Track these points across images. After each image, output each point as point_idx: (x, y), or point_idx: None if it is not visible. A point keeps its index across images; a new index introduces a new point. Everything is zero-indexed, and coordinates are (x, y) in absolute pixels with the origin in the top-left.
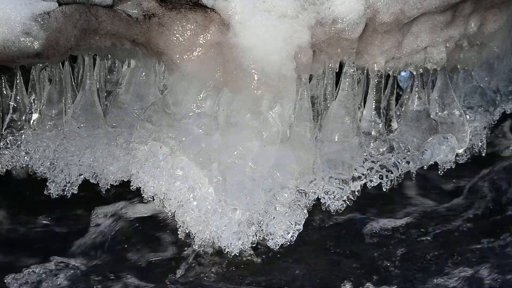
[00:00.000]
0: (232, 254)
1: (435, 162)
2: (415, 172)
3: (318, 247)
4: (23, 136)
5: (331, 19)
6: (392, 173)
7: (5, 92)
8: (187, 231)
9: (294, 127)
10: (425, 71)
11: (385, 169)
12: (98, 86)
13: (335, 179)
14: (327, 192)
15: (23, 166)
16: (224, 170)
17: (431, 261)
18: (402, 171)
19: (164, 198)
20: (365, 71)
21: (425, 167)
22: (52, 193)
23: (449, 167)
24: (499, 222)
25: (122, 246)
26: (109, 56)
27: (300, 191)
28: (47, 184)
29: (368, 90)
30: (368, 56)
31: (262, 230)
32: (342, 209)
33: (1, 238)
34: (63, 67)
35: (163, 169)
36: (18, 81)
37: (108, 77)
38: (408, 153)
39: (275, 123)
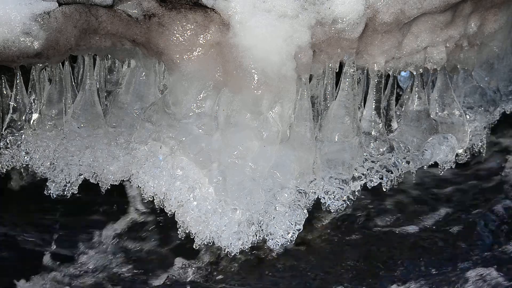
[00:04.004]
0: (232, 254)
1: (435, 162)
2: (415, 172)
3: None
4: (23, 136)
5: (331, 19)
6: (392, 173)
7: (5, 92)
8: (187, 231)
9: (294, 127)
10: (425, 71)
11: (385, 169)
12: (98, 86)
13: (335, 179)
14: (327, 192)
15: (23, 166)
16: (224, 170)
17: (431, 261)
18: (402, 171)
19: (164, 198)
20: (365, 71)
21: (425, 167)
22: (52, 193)
23: (449, 167)
24: (501, 223)
25: (121, 246)
26: (109, 56)
27: (300, 191)
28: (47, 184)
29: (368, 90)
30: (368, 56)
31: (262, 230)
32: (342, 209)
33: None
34: (63, 67)
35: (163, 169)
36: (18, 81)
37: (108, 77)
38: (408, 153)
39: (275, 123)
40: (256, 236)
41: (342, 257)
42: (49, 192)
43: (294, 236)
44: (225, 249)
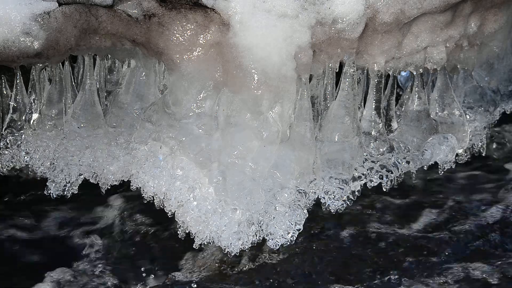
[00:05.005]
0: (232, 254)
1: (435, 162)
2: (415, 172)
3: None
4: (23, 136)
5: (331, 19)
6: (392, 173)
7: (5, 92)
8: (187, 231)
9: (294, 127)
10: (425, 71)
11: (385, 169)
12: (98, 86)
13: (335, 179)
14: (327, 192)
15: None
16: (224, 170)
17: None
18: (402, 171)
19: (164, 198)
20: (365, 71)
21: (425, 167)
22: (52, 193)
23: (449, 167)
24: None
25: (122, 246)
26: (109, 56)
27: (300, 191)
28: (47, 184)
29: (368, 90)
30: (368, 56)
31: (262, 230)
32: (342, 209)
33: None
34: (63, 67)
35: (163, 169)
36: (18, 81)
37: (108, 77)
38: (408, 153)
39: (275, 123)
40: (256, 236)
41: (343, 258)
42: (49, 192)
43: (294, 236)
44: (225, 249)
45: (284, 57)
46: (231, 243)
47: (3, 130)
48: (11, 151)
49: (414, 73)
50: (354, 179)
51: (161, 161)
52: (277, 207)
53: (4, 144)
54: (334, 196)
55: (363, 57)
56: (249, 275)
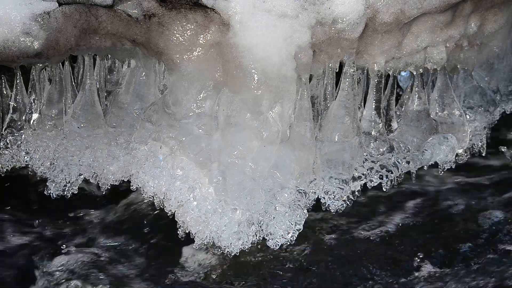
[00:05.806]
0: (232, 254)
1: (435, 162)
2: (415, 172)
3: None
4: (23, 136)
5: (331, 19)
6: (392, 173)
7: (5, 92)
8: (187, 231)
9: (294, 127)
10: (425, 71)
11: (385, 169)
12: (98, 86)
13: (335, 179)
14: (327, 192)
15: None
16: (224, 170)
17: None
18: (402, 171)
19: (164, 198)
20: (365, 71)
21: (425, 167)
22: (52, 193)
23: (449, 167)
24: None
25: (122, 246)
26: (109, 56)
27: (300, 191)
28: (47, 184)
29: (368, 90)
30: (368, 56)
31: (262, 230)
32: (342, 209)
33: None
34: (63, 67)
35: (163, 169)
36: (18, 81)
37: (108, 77)
38: (408, 153)
39: (275, 123)
40: (256, 236)
41: (343, 258)
42: (49, 192)
43: (294, 236)
44: (225, 249)
45: (284, 57)
46: (231, 243)
47: (3, 130)
48: (11, 151)
49: (414, 73)
50: (354, 179)
51: (161, 161)
52: (277, 207)
53: (4, 144)
54: (334, 196)
55: (363, 57)
56: (250, 275)
